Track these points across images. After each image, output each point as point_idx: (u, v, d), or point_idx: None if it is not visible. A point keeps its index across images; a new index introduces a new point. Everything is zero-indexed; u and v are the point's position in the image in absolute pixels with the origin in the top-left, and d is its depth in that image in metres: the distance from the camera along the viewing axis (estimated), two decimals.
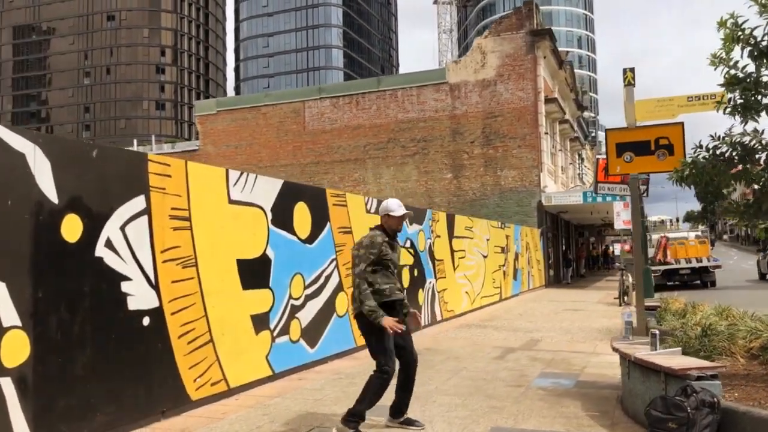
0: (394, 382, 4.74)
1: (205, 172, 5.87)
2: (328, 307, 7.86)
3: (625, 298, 15.08)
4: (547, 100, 26.03)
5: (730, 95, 5.13)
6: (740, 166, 5.21)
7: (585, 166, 40.20)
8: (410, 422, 4.79)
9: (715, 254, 28.11)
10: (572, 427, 4.75)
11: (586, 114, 40.01)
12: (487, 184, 26.04)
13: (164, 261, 5.21)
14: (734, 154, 5.15)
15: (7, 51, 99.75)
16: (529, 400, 5.61)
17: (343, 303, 8.22)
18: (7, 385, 3.88)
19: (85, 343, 4.42)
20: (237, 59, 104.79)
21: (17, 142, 4.03)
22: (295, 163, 28.13)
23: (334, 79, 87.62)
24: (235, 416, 5.23)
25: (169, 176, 5.35)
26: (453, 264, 13.21)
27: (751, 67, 5.00)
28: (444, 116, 26.55)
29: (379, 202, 9.74)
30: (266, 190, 6.67)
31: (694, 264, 22.49)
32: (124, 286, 4.81)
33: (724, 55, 5.01)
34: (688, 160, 5.41)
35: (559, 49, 41.80)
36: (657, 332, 4.89)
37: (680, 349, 4.95)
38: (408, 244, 10.75)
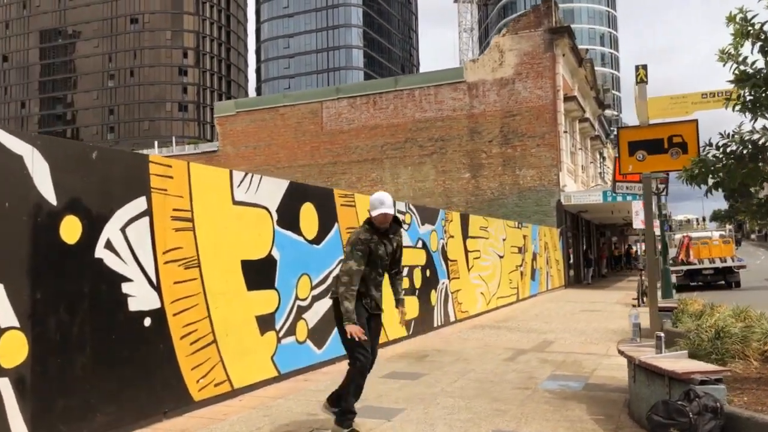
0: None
1: (207, 173, 5.87)
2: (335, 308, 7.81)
3: (644, 298, 14.85)
4: (566, 99, 25.77)
5: (740, 92, 5.00)
6: (751, 165, 5.07)
7: (606, 165, 39.72)
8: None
9: (742, 254, 27.61)
10: (575, 431, 4.66)
11: (608, 112, 39.53)
12: (506, 184, 25.86)
13: (166, 262, 5.23)
14: (745, 152, 5.02)
15: (34, 55, 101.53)
16: (534, 403, 5.53)
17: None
18: (5, 385, 3.91)
19: (84, 343, 4.45)
20: (258, 60, 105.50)
21: (14, 144, 4.06)
22: (312, 163, 28.21)
23: (355, 80, 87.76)
24: (237, 417, 5.23)
25: (171, 177, 5.36)
26: (467, 264, 13.11)
27: (761, 63, 4.87)
28: (462, 115, 26.41)
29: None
30: (271, 190, 6.66)
31: (718, 264, 22.05)
32: (125, 287, 4.83)
33: (732, 51, 4.88)
34: (698, 158, 5.29)
35: (580, 46, 41.39)
36: (662, 335, 4.78)
37: (686, 352, 4.84)
38: (420, 244, 10.69)
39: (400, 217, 4.95)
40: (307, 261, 7.21)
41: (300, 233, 7.11)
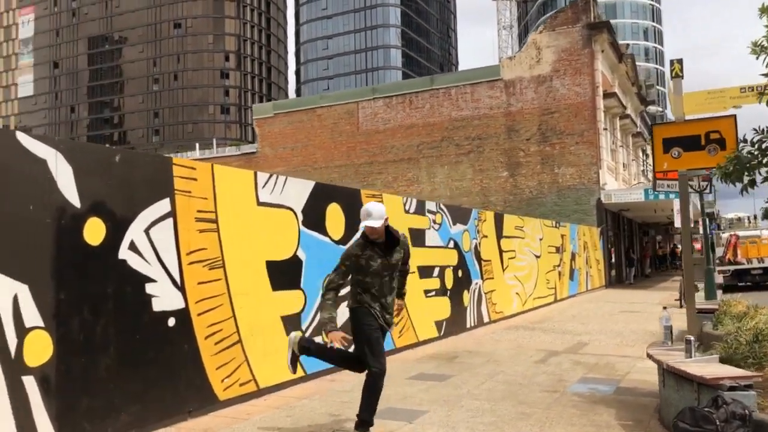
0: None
1: (232, 174, 5.92)
2: None
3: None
4: (606, 95, 25.24)
5: None
6: None
7: (648, 163, 38.75)
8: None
9: None
10: None
11: (651, 108, 38.54)
12: (544, 182, 25.47)
13: (190, 263, 5.29)
14: None
15: (82, 61, 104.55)
16: (561, 407, 5.41)
17: None
18: (30, 383, 4.01)
19: (108, 343, 4.53)
20: (297, 62, 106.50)
21: (38, 148, 4.15)
22: (348, 163, 28.30)
23: (393, 80, 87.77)
24: (260, 417, 5.25)
25: (195, 179, 5.42)
26: (502, 264, 12.95)
27: None
28: (499, 113, 26.13)
29: (419, 203, 9.67)
30: (297, 191, 6.69)
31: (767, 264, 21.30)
32: (149, 288, 4.90)
33: (766, 43, 4.68)
34: (732, 155, 5.09)
35: (622, 41, 40.52)
36: (692, 338, 4.61)
37: (717, 356, 4.65)
38: (451, 245, 10.60)
39: (399, 232, 4.72)
40: (334, 261, 7.18)
41: (326, 234, 7.12)
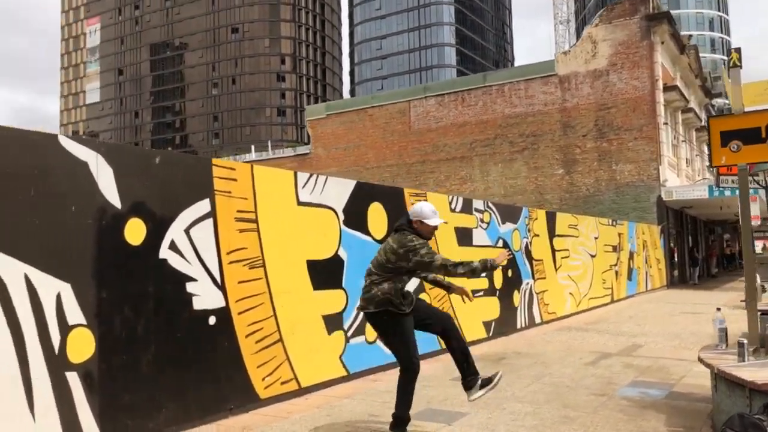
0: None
1: (271, 175, 5.96)
2: None
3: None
4: (666, 88, 24.36)
5: None
6: None
7: None
8: (487, 381, 4.71)
9: None
10: None
11: (718, 101, 37.00)
12: (602, 180, 24.79)
13: (230, 262, 5.35)
14: None
15: (145, 67, 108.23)
16: (607, 411, 5.21)
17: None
18: (74, 379, 4.12)
19: (149, 341, 4.62)
20: (352, 63, 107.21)
21: (80, 151, 4.27)
22: (400, 163, 28.27)
23: (448, 78, 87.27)
24: (299, 416, 5.27)
25: (235, 180, 5.48)
26: (554, 264, 12.65)
27: None
28: (554, 110, 25.58)
29: (466, 201, 9.54)
30: (337, 191, 6.68)
31: None
32: (189, 287, 4.98)
33: None
34: None
35: (686, 33, 39.07)
36: (745, 341, 4.36)
37: None
38: (500, 244, 10.41)
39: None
40: None
41: (368, 233, 7.09)
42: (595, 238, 15.34)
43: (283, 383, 5.78)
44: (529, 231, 11.60)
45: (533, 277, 11.55)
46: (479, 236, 9.77)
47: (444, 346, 8.37)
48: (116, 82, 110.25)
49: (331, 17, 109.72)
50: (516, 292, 10.81)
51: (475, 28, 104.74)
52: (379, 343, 7.16)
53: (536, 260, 11.79)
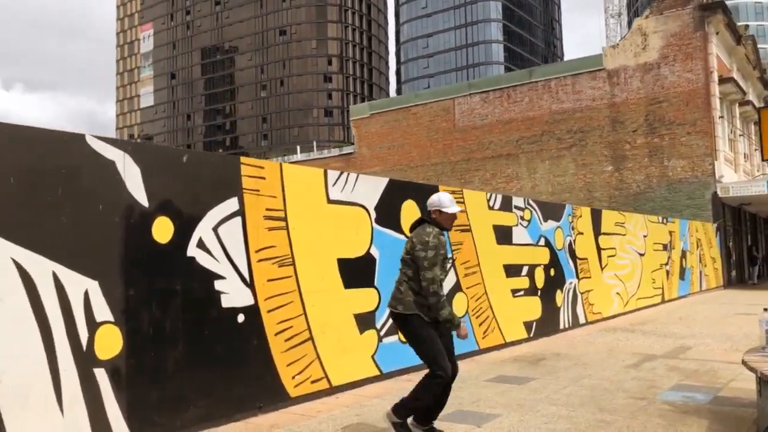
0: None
1: (301, 173, 5.94)
2: None
3: None
4: (722, 81, 23.44)
5: None
6: None
7: None
8: None
9: None
10: None
11: None
12: (653, 176, 24.06)
13: (259, 260, 5.35)
14: None
15: (197, 71, 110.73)
16: (645, 416, 4.99)
17: (461, 304, 7.96)
18: (102, 375, 4.18)
19: (177, 338, 4.66)
20: (398, 62, 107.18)
21: (107, 150, 4.33)
22: (445, 161, 28.07)
23: (495, 75, 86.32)
24: (328, 415, 5.23)
25: (264, 178, 5.48)
26: (600, 263, 12.30)
27: None
28: (602, 105, 24.96)
29: (505, 198, 9.35)
30: (369, 188, 6.62)
31: None
32: (218, 285, 5.00)
33: None
34: None
35: (744, 23, 37.56)
36: None
37: None
38: (542, 242, 10.18)
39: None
40: None
41: (401, 231, 7.00)
42: (644, 236, 14.86)
43: (313, 382, 5.76)
44: (572, 229, 11.31)
45: (577, 277, 11.26)
46: (519, 234, 9.57)
47: (481, 347, 8.28)
48: (169, 86, 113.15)
49: (377, 17, 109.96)
50: (559, 291, 10.54)
51: (523, 24, 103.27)
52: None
53: (580, 259, 11.48)
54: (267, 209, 5.48)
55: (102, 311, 4.22)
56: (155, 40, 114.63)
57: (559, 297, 10.55)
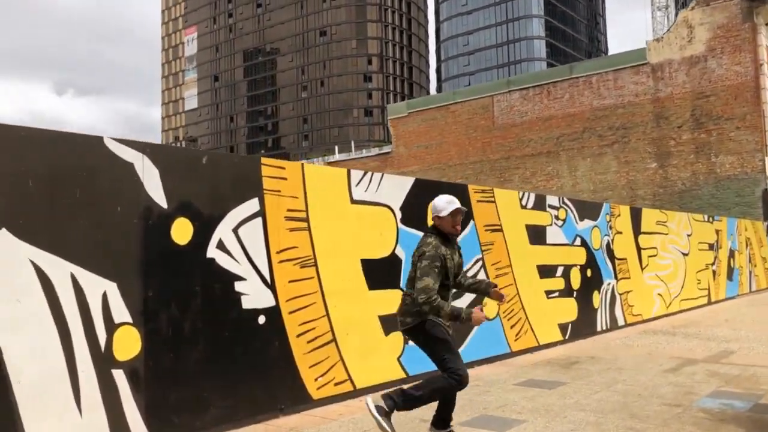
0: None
1: (323, 173, 5.90)
2: None
3: None
4: None
5: None
6: None
7: None
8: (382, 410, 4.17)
9: None
10: None
11: None
12: (699, 173, 23.33)
13: (280, 261, 5.32)
14: None
15: (239, 73, 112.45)
16: (679, 424, 4.77)
17: (492, 305, 7.79)
18: (120, 377, 4.20)
19: (197, 339, 4.66)
20: (438, 60, 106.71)
21: (125, 152, 4.35)
22: (484, 159, 27.77)
23: (534, 71, 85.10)
24: (349, 418, 5.16)
25: (285, 179, 5.45)
26: (640, 263, 11.93)
27: None
28: (645, 100, 24.31)
29: (538, 197, 9.14)
30: (394, 188, 6.53)
31: None
32: (238, 286, 4.98)
33: None
34: None
35: None
36: None
37: None
38: (578, 242, 9.92)
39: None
40: None
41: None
42: (688, 235, 14.37)
43: (336, 384, 5.70)
44: (610, 228, 10.99)
45: (615, 277, 10.94)
46: (554, 234, 9.34)
47: (513, 350, 8.10)
48: (212, 88, 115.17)
49: (417, 15, 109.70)
50: (596, 292, 10.26)
51: (565, 20, 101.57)
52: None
53: (619, 259, 11.16)
54: (288, 210, 5.45)
55: (120, 312, 4.24)
56: (199, 43, 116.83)
57: (596, 298, 10.26)
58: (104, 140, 4.29)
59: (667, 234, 13.26)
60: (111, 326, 4.18)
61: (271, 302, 5.22)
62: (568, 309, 9.48)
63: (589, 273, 10.08)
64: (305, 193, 5.61)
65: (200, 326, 4.69)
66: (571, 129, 26.03)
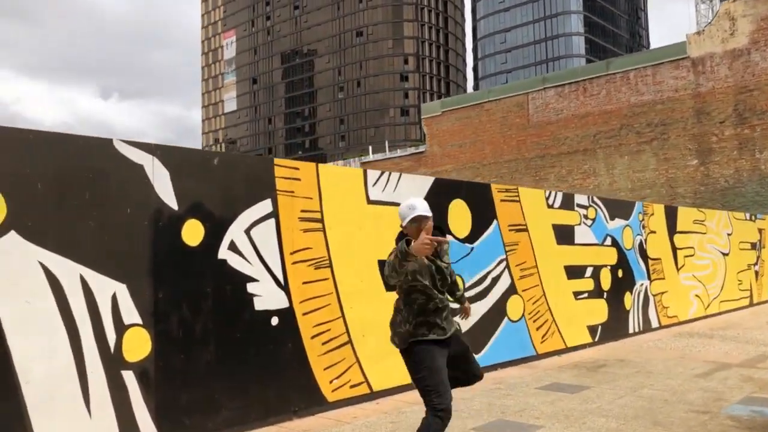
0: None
1: (338, 173, 5.86)
2: (497, 311, 7.36)
3: None
4: None
5: None
6: None
7: None
8: None
9: None
10: None
11: None
12: (743, 170, 22.55)
13: (294, 262, 5.29)
14: None
15: (277, 75, 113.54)
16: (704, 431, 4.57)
17: (517, 307, 7.65)
18: (130, 378, 4.23)
19: (208, 340, 4.66)
20: (475, 58, 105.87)
21: (135, 154, 4.38)
22: (519, 158, 27.39)
23: (570, 68, 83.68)
24: (363, 421, 5.10)
25: (299, 180, 5.42)
26: (676, 263, 11.57)
27: None
28: (686, 95, 23.63)
29: (566, 196, 8.94)
30: (412, 188, 6.45)
31: None
32: (250, 287, 4.97)
33: None
34: None
35: None
36: None
37: None
38: (608, 242, 9.66)
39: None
40: (458, 261, 6.86)
41: (449, 232, 6.79)
42: (728, 234, 13.89)
43: (352, 387, 5.64)
44: (643, 227, 10.69)
45: (649, 278, 10.62)
46: (582, 234, 9.12)
47: (539, 352, 7.93)
48: (251, 90, 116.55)
49: (453, 14, 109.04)
50: (628, 293, 9.98)
51: (605, 15, 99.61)
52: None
53: (653, 259, 10.83)
54: (302, 210, 5.42)
55: (130, 314, 4.26)
56: (237, 46, 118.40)
57: (628, 299, 9.98)
58: (113, 142, 4.32)
59: (705, 233, 12.84)
60: (121, 327, 4.21)
61: (285, 303, 5.20)
62: (598, 310, 9.24)
63: (620, 273, 9.82)
64: (320, 193, 5.57)
65: (211, 327, 4.69)
66: (608, 126, 25.48)
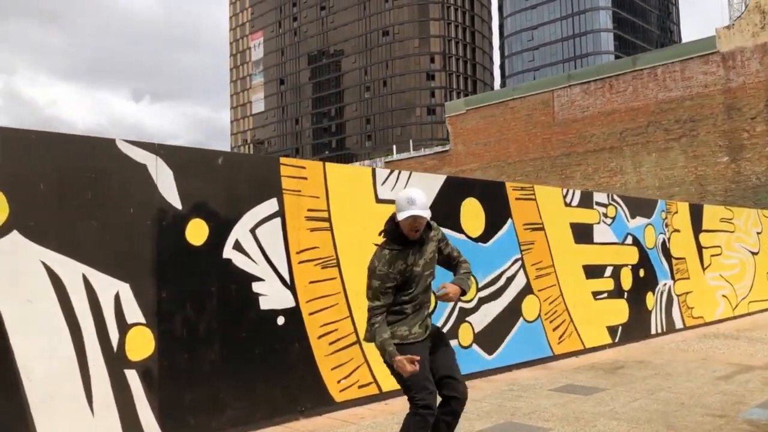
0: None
1: (346, 172, 5.82)
2: (512, 311, 7.25)
3: None
4: None
5: None
6: None
7: None
8: None
9: None
10: None
11: None
12: None
13: (300, 262, 5.27)
14: None
15: (304, 75, 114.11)
16: None
17: (532, 307, 7.54)
18: (133, 377, 4.25)
19: (212, 340, 4.66)
20: (502, 56, 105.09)
21: (138, 154, 4.40)
22: (544, 156, 27.05)
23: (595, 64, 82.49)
24: (371, 421, 5.06)
25: (305, 179, 5.40)
26: (701, 263, 11.29)
27: None
28: (715, 91, 23.06)
29: (584, 194, 8.78)
30: (423, 188, 6.35)
31: None
32: (256, 287, 4.97)
33: None
34: None
35: None
36: None
37: None
38: (629, 241, 9.47)
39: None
40: (471, 261, 6.75)
41: (461, 231, 6.72)
42: (758, 233, 13.52)
43: (360, 387, 5.61)
44: (666, 226, 10.45)
45: (672, 278, 10.39)
46: (602, 233, 8.95)
47: (556, 353, 7.79)
48: (278, 91, 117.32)
49: (480, 12, 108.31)
50: (650, 294, 9.77)
51: (635, 10, 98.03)
52: (475, 347, 6.78)
53: (677, 258, 10.59)
54: (309, 210, 5.40)
55: (133, 313, 4.28)
56: (265, 47, 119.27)
57: (650, 299, 9.77)
58: (116, 142, 4.34)
59: (733, 232, 12.51)
60: (123, 326, 4.23)
61: (291, 303, 5.18)
62: (618, 311, 9.06)
63: (641, 273, 9.61)
64: (327, 192, 5.54)
65: (216, 327, 4.69)
66: (635, 123, 25.00)
